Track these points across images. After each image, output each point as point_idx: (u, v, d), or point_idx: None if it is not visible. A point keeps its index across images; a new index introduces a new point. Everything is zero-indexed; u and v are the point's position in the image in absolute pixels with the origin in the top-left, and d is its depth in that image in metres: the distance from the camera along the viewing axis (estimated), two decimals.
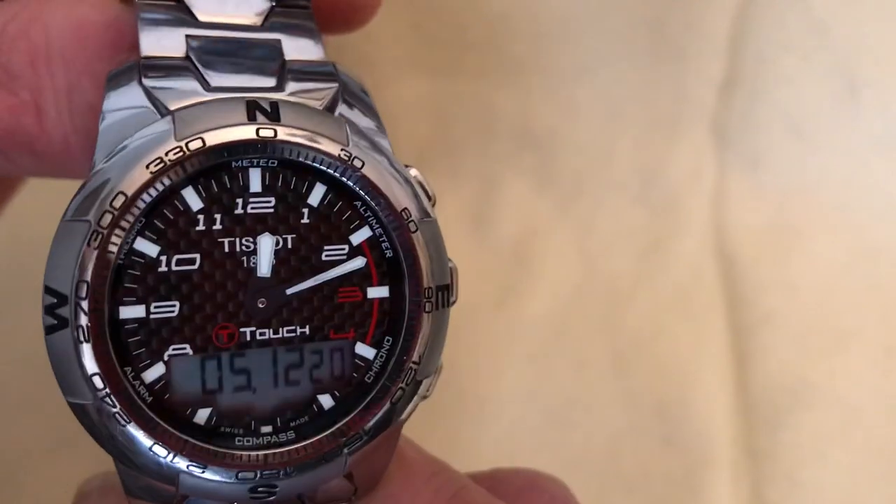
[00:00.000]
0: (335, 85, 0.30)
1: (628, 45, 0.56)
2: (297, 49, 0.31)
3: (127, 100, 0.28)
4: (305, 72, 0.31)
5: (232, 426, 0.29)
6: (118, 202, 0.27)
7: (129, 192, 0.27)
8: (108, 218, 0.27)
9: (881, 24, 0.56)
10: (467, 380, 0.53)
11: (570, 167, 0.56)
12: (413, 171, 0.31)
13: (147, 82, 0.29)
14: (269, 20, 0.31)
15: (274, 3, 0.31)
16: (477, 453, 0.51)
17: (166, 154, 0.27)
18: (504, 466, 0.37)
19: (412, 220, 0.30)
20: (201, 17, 0.30)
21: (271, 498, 0.29)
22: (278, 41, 0.31)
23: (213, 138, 0.28)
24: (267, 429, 0.29)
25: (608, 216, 0.56)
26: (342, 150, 0.29)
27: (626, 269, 0.55)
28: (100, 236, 0.27)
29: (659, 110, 0.56)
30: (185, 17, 0.30)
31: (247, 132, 0.28)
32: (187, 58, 0.30)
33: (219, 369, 0.29)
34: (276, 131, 0.28)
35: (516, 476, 0.36)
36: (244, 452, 0.28)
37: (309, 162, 0.29)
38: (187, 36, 0.30)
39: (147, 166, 0.27)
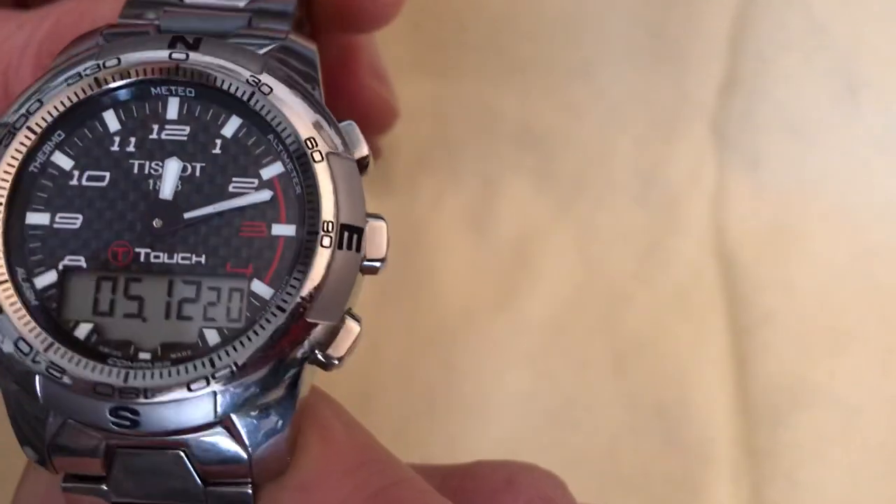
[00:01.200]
0: (276, 43, 0.31)
1: (628, 45, 0.56)
2: (265, 24, 0.32)
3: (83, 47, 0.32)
4: (252, 35, 0.32)
5: (111, 348, 0.29)
6: (33, 108, 0.30)
7: (44, 100, 0.30)
8: (21, 121, 0.30)
9: (881, 24, 0.56)
10: (467, 381, 0.53)
11: (570, 167, 0.56)
12: (349, 126, 0.31)
13: (106, 32, 0.32)
14: (252, 3, 0.33)
15: None
16: (477, 454, 0.51)
17: (84, 70, 0.30)
18: (487, 459, 0.35)
19: (317, 150, 0.30)
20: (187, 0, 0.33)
21: (135, 428, 0.28)
22: (249, 17, 0.32)
23: (128, 58, 0.30)
24: (145, 356, 0.29)
25: (608, 216, 0.55)
26: (252, 76, 0.30)
27: (626, 269, 0.55)
28: (11, 136, 0.30)
29: (659, 110, 0.56)
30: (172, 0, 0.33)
31: (160, 54, 0.30)
32: (154, 28, 0.32)
33: (112, 292, 0.29)
34: (188, 55, 0.30)
35: (497, 470, 0.33)
36: (105, 366, 0.28)
37: (217, 85, 0.30)
38: (165, 12, 0.32)
39: (66, 79, 0.30)
